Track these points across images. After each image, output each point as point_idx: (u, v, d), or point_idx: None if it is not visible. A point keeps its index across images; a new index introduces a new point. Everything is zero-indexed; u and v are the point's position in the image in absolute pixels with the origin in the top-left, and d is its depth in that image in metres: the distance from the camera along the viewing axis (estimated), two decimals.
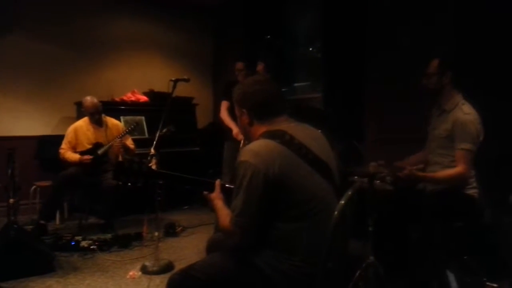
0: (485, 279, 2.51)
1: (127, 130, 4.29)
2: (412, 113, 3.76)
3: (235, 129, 4.05)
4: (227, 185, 1.90)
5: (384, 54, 4.17)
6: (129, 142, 4.42)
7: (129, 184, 1.83)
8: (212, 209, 1.86)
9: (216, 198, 1.84)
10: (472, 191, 2.62)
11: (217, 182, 1.88)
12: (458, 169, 2.54)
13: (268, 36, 5.29)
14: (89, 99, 4.29)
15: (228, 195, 1.85)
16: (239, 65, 4.31)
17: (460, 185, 2.61)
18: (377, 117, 4.30)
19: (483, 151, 2.57)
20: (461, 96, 2.66)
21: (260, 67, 4.19)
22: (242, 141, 3.81)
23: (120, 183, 1.85)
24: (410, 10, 3.95)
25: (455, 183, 2.60)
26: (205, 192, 1.88)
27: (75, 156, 4.18)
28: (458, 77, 2.66)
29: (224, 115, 4.28)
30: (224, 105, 4.34)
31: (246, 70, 4.24)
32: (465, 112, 2.58)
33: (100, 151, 4.18)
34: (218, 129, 4.36)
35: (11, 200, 3.21)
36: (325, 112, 4.58)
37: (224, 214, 1.74)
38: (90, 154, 4.18)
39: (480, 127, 2.56)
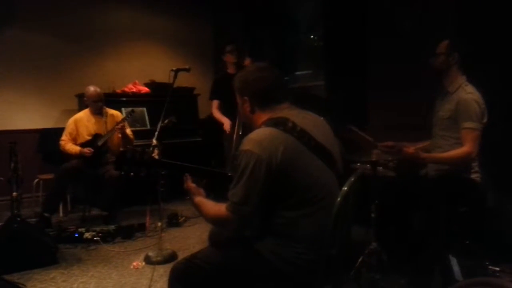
0: (487, 263, 2.52)
1: (125, 118, 4.23)
2: (415, 98, 3.74)
3: (226, 123, 4.22)
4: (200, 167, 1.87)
5: (385, 40, 4.14)
6: (128, 132, 4.41)
7: (132, 174, 1.82)
8: (191, 200, 1.82)
9: (192, 188, 1.82)
10: (475, 175, 2.61)
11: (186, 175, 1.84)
12: (464, 148, 2.51)
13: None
14: (92, 88, 4.31)
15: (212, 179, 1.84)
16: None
17: (462, 169, 2.60)
18: (380, 103, 4.27)
19: (487, 135, 2.55)
20: (464, 78, 2.66)
21: (247, 62, 4.21)
22: (235, 132, 3.90)
23: (123, 173, 1.83)
24: None
25: (462, 163, 2.58)
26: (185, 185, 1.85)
27: (75, 148, 4.18)
28: (464, 60, 2.64)
29: (216, 113, 4.43)
30: (215, 104, 4.47)
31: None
32: (467, 91, 2.58)
33: (99, 142, 4.18)
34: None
35: (14, 194, 3.23)
36: (327, 100, 4.56)
37: (211, 204, 1.74)
38: (90, 146, 4.17)
39: (484, 108, 2.55)
